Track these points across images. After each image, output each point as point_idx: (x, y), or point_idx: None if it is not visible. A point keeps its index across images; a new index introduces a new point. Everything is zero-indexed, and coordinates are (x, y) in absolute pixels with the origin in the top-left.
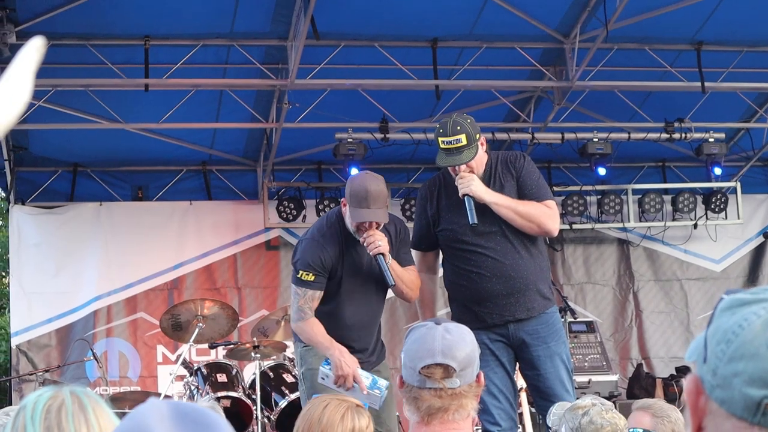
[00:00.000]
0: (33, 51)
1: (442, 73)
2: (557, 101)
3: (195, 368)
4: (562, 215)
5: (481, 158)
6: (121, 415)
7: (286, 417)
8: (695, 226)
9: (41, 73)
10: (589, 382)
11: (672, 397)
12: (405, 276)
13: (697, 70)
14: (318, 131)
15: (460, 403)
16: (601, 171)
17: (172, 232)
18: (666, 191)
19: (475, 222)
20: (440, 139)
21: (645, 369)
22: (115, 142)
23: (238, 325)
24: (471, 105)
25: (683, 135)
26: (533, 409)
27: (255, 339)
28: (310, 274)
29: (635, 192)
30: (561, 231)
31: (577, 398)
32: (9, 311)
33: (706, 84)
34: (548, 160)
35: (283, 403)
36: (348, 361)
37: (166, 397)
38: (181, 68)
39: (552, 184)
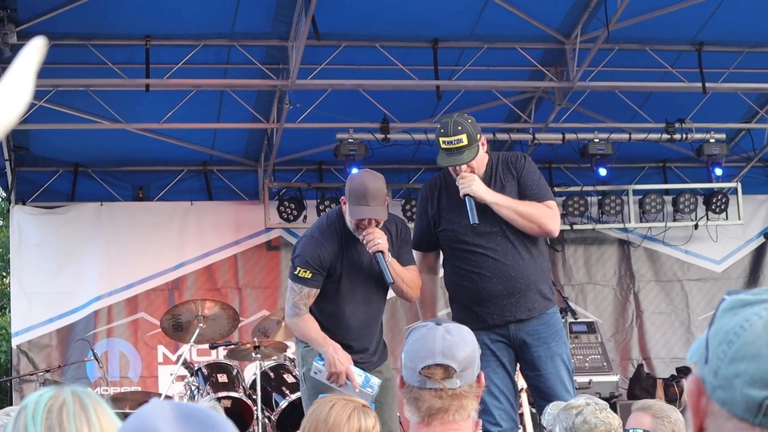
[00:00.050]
0: (34, 51)
1: (442, 74)
2: (558, 102)
3: (196, 368)
4: (562, 216)
5: (482, 158)
6: (122, 416)
7: (287, 417)
8: (696, 226)
9: (42, 73)
10: (589, 383)
11: (673, 398)
12: (405, 275)
13: (698, 70)
14: (319, 131)
15: (460, 404)
16: (602, 171)
17: (172, 233)
18: (667, 192)
19: (476, 222)
20: (441, 139)
21: (646, 369)
22: (115, 142)
23: (239, 326)
24: (472, 105)
25: (684, 135)
26: (534, 410)
27: (256, 339)
28: (308, 272)
29: (636, 192)
30: (562, 231)
31: None
32: (10, 311)
33: (707, 84)
34: (549, 161)
35: (283, 404)
36: (341, 359)
37: (167, 397)
38: (182, 68)
39: (553, 185)
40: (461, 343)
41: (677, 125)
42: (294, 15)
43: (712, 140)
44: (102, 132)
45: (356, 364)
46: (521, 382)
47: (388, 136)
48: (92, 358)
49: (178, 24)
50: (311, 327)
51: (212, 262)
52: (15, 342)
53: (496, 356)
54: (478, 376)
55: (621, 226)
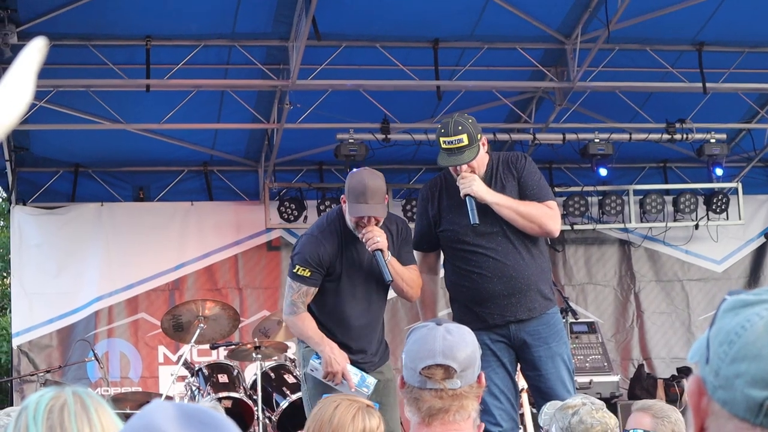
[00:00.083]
0: (35, 52)
1: (443, 74)
2: (558, 102)
3: (196, 369)
4: (563, 216)
5: (482, 158)
6: (123, 416)
7: (288, 418)
8: (696, 226)
9: (42, 73)
10: (590, 383)
11: (673, 398)
12: (405, 274)
13: (699, 70)
14: (319, 132)
15: (461, 404)
16: (603, 172)
17: (173, 233)
18: (667, 192)
19: (477, 222)
20: (442, 139)
21: (646, 369)
22: (116, 142)
23: (240, 326)
24: (472, 106)
25: (684, 136)
26: (534, 410)
27: (256, 339)
28: (307, 270)
29: (636, 193)
30: (562, 231)
31: None
32: (10, 312)
33: (708, 85)
34: (549, 161)
35: (284, 404)
36: (338, 358)
37: (168, 397)
38: (182, 69)
39: (553, 185)
40: (462, 344)
41: (678, 125)
42: (294, 15)
43: (712, 140)
44: (102, 132)
45: (357, 364)
46: (522, 382)
47: (389, 136)
48: (93, 358)
49: (179, 24)
50: (309, 325)
51: (213, 263)
52: (15, 342)
53: (497, 356)
54: (479, 377)
55: (621, 226)
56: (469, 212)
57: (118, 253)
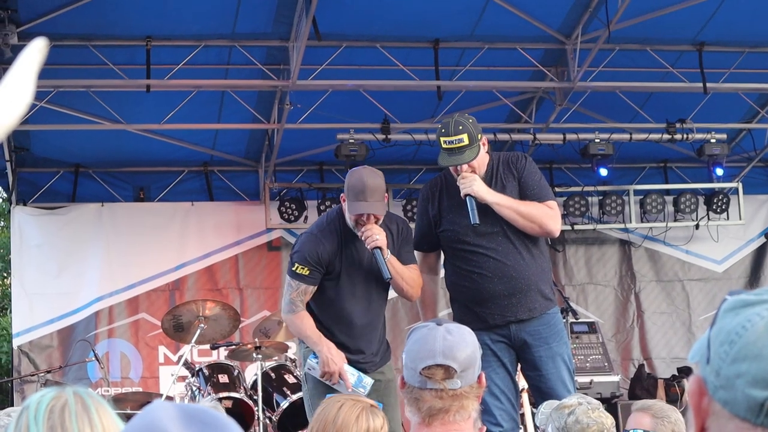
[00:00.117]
0: (35, 52)
1: (443, 74)
2: (559, 102)
3: (196, 369)
4: (563, 216)
5: (482, 158)
6: (123, 416)
7: (288, 418)
8: (697, 226)
9: (43, 74)
10: (590, 383)
11: (674, 398)
12: (405, 273)
13: (699, 70)
14: (319, 132)
15: (461, 404)
16: (603, 172)
17: (173, 233)
18: (668, 192)
19: (477, 222)
20: (442, 138)
21: (647, 370)
22: (116, 142)
23: (240, 326)
24: (472, 106)
25: (685, 136)
26: (535, 410)
27: (257, 340)
28: (306, 268)
29: (637, 193)
30: (562, 232)
31: None
32: (11, 312)
33: (708, 85)
34: (550, 161)
35: (284, 404)
36: (335, 358)
37: (168, 398)
38: (182, 69)
39: (553, 185)
40: (462, 344)
41: (678, 125)
42: (295, 15)
43: (712, 140)
44: (103, 133)
45: (357, 364)
46: (522, 382)
47: (389, 136)
48: (93, 358)
49: (179, 24)
50: (307, 324)
51: (213, 263)
52: (16, 343)
53: (497, 356)
54: (479, 377)
55: (622, 226)
56: (470, 212)
57: (119, 253)
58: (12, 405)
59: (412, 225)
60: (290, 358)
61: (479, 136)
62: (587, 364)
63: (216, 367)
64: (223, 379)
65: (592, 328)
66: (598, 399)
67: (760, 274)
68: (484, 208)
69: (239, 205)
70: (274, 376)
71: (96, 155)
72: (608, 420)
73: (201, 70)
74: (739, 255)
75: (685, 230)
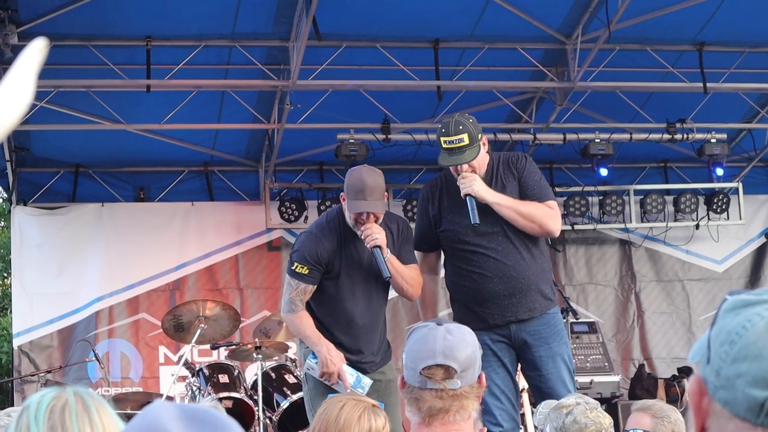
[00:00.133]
0: (35, 52)
1: (443, 74)
2: (559, 102)
3: (197, 369)
4: (563, 216)
5: (483, 158)
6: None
7: (288, 418)
8: (697, 226)
9: (43, 74)
10: (591, 383)
11: (674, 398)
12: (406, 272)
13: (699, 70)
14: (320, 132)
15: (461, 404)
16: (603, 172)
17: (173, 233)
18: (668, 192)
19: (477, 222)
20: (442, 138)
21: (647, 369)
22: (116, 142)
23: (240, 326)
24: (473, 106)
25: (685, 136)
26: (535, 410)
27: (257, 340)
28: (305, 267)
29: (637, 192)
30: (563, 231)
31: None
32: (11, 312)
33: (708, 85)
34: (550, 161)
35: (284, 404)
36: (334, 358)
37: (168, 398)
38: (182, 69)
39: (554, 185)
40: (462, 344)
41: (678, 125)
42: (295, 15)
43: (713, 140)
44: (103, 133)
45: (358, 364)
46: (522, 382)
47: (389, 136)
48: (93, 358)
49: (179, 24)
50: (306, 324)
51: (213, 263)
52: (16, 343)
53: (497, 356)
54: (479, 377)
55: (622, 226)
56: (470, 212)
57: (119, 253)
58: (12, 405)
59: (412, 225)
60: (290, 358)
61: (479, 135)
62: (587, 364)
63: (216, 367)
64: (224, 379)
65: (592, 328)
66: (598, 399)
67: (761, 274)
68: (485, 208)
69: (239, 205)
70: (274, 376)
71: (96, 155)
72: (606, 420)
73: (201, 70)
74: (739, 255)
75: (685, 230)
